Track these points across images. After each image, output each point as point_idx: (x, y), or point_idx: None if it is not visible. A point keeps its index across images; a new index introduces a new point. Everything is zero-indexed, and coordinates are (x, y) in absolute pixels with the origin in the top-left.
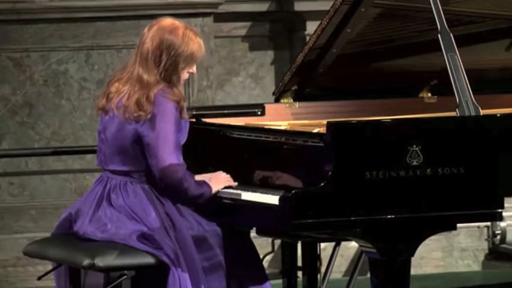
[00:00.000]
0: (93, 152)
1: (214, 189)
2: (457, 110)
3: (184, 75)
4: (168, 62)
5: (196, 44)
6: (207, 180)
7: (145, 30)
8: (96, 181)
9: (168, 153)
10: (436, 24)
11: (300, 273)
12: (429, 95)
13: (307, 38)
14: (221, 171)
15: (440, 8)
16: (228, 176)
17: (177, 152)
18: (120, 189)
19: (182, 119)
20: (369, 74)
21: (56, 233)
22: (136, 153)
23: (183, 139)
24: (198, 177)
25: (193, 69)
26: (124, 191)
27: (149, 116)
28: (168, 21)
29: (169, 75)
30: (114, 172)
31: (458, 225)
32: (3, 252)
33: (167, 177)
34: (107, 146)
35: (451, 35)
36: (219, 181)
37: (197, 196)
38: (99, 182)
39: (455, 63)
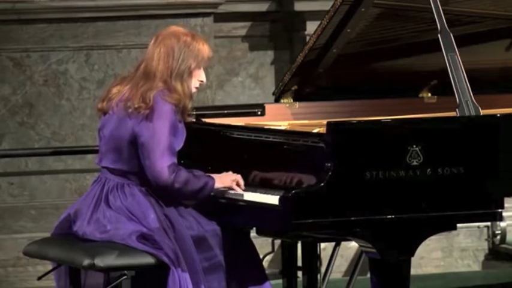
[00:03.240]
0: (93, 152)
1: (217, 184)
2: (457, 110)
3: (195, 83)
4: (180, 58)
5: (205, 46)
6: (214, 176)
7: (156, 36)
8: (93, 182)
9: (160, 156)
10: (436, 24)
11: (300, 273)
12: (429, 95)
13: (307, 38)
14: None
15: (440, 8)
16: (239, 177)
17: (168, 154)
18: (117, 191)
19: (180, 123)
20: (369, 74)
21: (56, 233)
22: (131, 154)
23: (179, 145)
24: None
25: (203, 77)
26: (121, 192)
27: (147, 111)
28: (176, 27)
29: (181, 73)
30: (110, 171)
31: (458, 225)
32: (3, 252)
33: (158, 179)
34: (104, 142)
35: (451, 35)
36: (225, 178)
37: (196, 190)
38: (96, 182)
39: (455, 63)
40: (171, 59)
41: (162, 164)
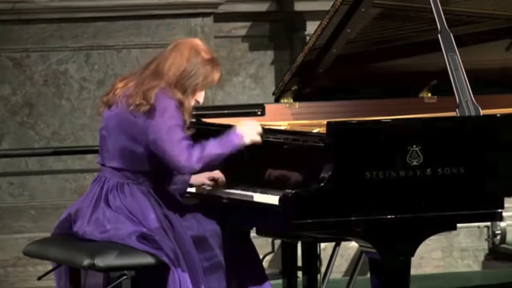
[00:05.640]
0: (93, 152)
1: (246, 137)
2: (457, 110)
3: (192, 101)
4: (192, 72)
5: (218, 73)
6: (237, 128)
7: (177, 42)
8: (93, 181)
9: (176, 147)
10: (436, 24)
11: (300, 273)
12: (429, 95)
13: (307, 38)
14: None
15: (440, 8)
16: (256, 124)
17: (182, 142)
18: (117, 190)
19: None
20: (369, 74)
21: (56, 233)
22: (136, 154)
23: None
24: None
25: (201, 98)
26: (121, 192)
27: (148, 108)
28: (198, 41)
29: (186, 87)
30: (113, 170)
31: (458, 225)
32: (3, 252)
33: (183, 170)
34: (107, 141)
35: (451, 35)
36: (250, 130)
37: (224, 154)
38: (96, 182)
39: (455, 63)
40: (183, 69)
41: (180, 155)
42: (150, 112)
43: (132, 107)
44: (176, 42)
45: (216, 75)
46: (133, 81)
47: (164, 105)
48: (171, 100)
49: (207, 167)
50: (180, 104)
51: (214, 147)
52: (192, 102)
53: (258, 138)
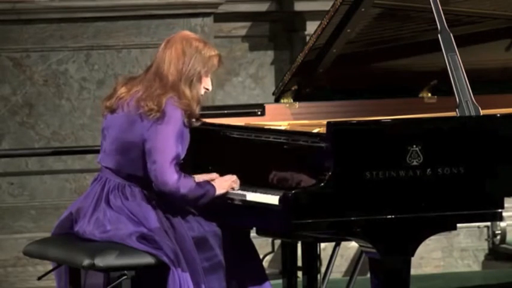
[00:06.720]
0: (93, 152)
1: (218, 191)
2: (457, 110)
3: (201, 90)
4: (191, 62)
5: (217, 55)
6: (212, 182)
7: (167, 40)
8: (93, 181)
9: (168, 162)
10: (436, 24)
11: (300, 273)
12: (429, 95)
13: (307, 38)
14: (230, 175)
15: (440, 8)
16: (234, 177)
17: (176, 160)
18: (118, 191)
19: (186, 129)
20: (369, 74)
21: (56, 232)
22: (136, 157)
23: (184, 152)
24: (202, 177)
25: (209, 85)
26: (122, 193)
27: (158, 115)
28: (187, 32)
29: (191, 77)
30: (112, 171)
31: (458, 225)
32: (3, 252)
33: (164, 185)
34: (109, 143)
35: (451, 35)
36: (223, 184)
37: (198, 197)
38: (97, 182)
39: (455, 63)
40: (182, 62)
41: (170, 170)
42: (157, 120)
43: (141, 110)
44: (166, 41)
45: (215, 58)
46: (139, 85)
47: (170, 117)
48: (178, 112)
49: (185, 193)
50: (187, 114)
51: (194, 180)
52: (202, 91)
53: (227, 188)
